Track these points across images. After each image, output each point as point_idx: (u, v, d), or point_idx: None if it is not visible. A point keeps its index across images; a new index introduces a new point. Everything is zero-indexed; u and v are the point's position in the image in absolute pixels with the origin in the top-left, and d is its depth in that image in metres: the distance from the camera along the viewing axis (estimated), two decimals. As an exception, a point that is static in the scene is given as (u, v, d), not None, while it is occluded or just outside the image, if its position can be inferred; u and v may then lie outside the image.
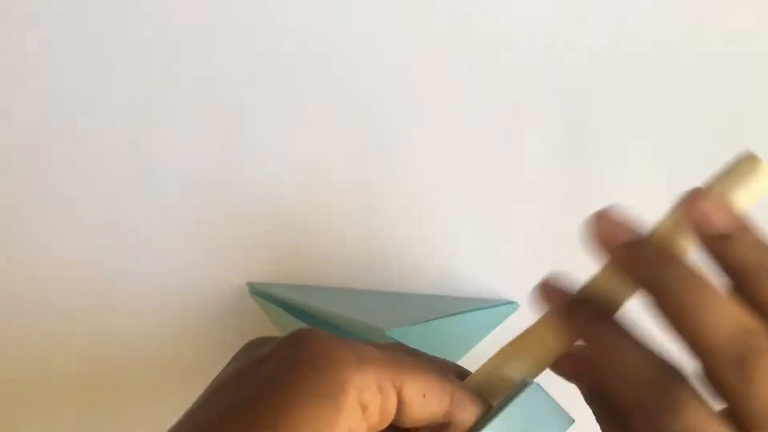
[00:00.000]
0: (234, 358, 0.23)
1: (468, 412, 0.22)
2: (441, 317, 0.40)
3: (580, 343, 0.23)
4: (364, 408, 0.20)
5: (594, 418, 0.24)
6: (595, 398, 0.24)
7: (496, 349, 0.29)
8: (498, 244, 0.48)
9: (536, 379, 0.24)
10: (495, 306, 0.47)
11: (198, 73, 0.51)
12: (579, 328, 0.22)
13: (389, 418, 0.21)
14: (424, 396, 0.21)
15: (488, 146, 0.50)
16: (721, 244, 0.21)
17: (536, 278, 0.30)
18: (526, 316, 0.44)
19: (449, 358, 0.30)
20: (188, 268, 0.49)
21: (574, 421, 0.23)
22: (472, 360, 0.30)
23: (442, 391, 0.22)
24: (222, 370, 0.23)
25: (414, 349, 0.24)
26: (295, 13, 0.52)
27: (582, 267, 0.48)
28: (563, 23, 0.52)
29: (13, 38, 0.51)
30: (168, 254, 0.48)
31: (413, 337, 0.39)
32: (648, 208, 0.51)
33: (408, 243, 0.49)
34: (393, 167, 0.49)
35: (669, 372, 0.20)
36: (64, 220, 0.48)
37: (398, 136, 0.50)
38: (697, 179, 0.50)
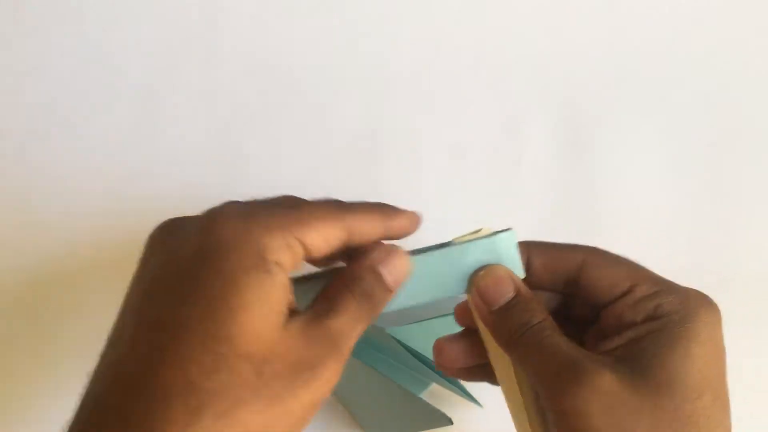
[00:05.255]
0: (151, 249, 0.26)
1: (366, 231, 0.27)
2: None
3: None
4: (280, 266, 0.24)
5: None
6: None
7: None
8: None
9: None
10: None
11: (197, 77, 0.51)
12: None
13: (300, 261, 0.26)
14: (323, 239, 0.26)
15: (488, 146, 0.50)
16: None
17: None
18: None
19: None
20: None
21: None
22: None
23: (337, 228, 0.26)
24: (143, 263, 0.26)
25: (312, 203, 0.27)
26: (296, 13, 0.52)
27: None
28: (563, 23, 0.52)
29: (17, 39, 0.51)
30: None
31: (413, 335, 0.39)
32: (648, 208, 0.51)
33: (407, 243, 0.49)
34: (393, 167, 0.49)
35: None
36: (64, 216, 0.48)
37: (398, 136, 0.50)
38: (697, 178, 0.50)
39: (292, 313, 0.25)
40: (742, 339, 0.45)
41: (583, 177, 0.49)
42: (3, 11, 0.52)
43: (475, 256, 0.28)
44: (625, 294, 0.28)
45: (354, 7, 0.52)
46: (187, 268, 0.24)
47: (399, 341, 0.38)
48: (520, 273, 0.29)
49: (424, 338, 0.38)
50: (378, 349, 0.41)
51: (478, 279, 0.28)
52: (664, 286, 0.28)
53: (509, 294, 0.28)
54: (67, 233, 0.48)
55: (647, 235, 0.48)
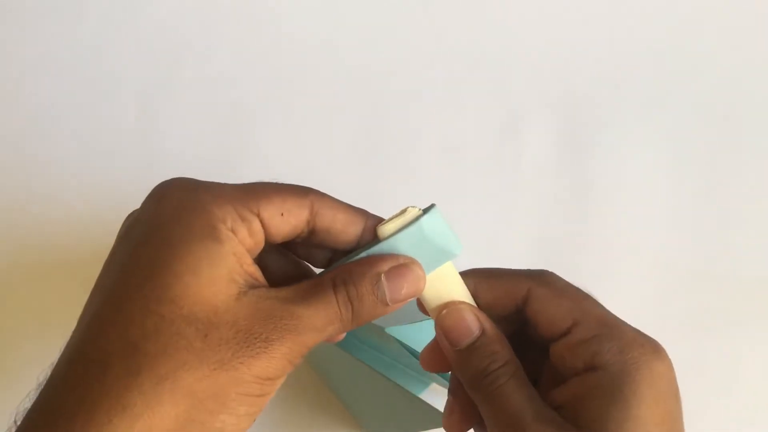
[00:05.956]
0: (119, 233, 0.26)
1: (331, 215, 0.26)
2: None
3: None
4: (235, 235, 0.24)
5: None
6: None
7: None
8: (498, 244, 0.48)
9: None
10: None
11: (199, 72, 0.51)
12: None
13: (261, 239, 0.25)
14: (282, 214, 0.25)
15: (488, 146, 0.50)
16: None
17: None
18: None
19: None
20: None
21: (461, 249, 0.27)
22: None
23: (298, 205, 0.25)
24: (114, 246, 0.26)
25: (276, 183, 0.26)
26: (297, 14, 0.52)
27: (581, 266, 0.48)
28: (563, 23, 0.52)
29: (19, 41, 0.51)
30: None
31: (413, 335, 0.39)
32: (648, 208, 0.51)
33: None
34: (393, 167, 0.49)
35: None
36: (66, 213, 0.48)
37: (398, 136, 0.50)
38: (697, 178, 0.50)
39: (257, 288, 0.24)
40: (741, 339, 0.45)
41: (583, 177, 0.49)
42: (3, 12, 0.52)
43: (406, 247, 0.26)
44: (565, 334, 0.26)
45: (353, 6, 0.52)
46: (137, 239, 0.24)
47: (399, 341, 0.38)
48: (456, 247, 0.27)
49: (424, 338, 0.38)
50: (378, 349, 0.41)
51: (441, 318, 0.27)
52: (605, 330, 0.26)
53: (474, 333, 0.27)
54: (67, 233, 0.48)
55: (647, 235, 0.48)
